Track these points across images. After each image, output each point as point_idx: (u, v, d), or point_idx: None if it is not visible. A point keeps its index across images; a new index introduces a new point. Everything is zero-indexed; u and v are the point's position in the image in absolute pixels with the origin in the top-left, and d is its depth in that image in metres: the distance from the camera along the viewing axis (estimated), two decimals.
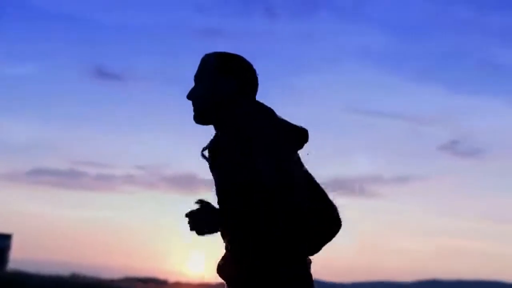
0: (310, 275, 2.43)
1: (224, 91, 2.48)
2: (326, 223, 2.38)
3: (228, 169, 2.38)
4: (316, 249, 2.41)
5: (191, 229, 2.38)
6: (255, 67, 2.55)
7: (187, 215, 2.38)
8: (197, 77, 2.54)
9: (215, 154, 2.48)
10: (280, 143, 2.34)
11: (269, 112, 2.45)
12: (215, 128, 2.53)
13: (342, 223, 2.40)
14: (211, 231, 2.39)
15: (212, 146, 2.51)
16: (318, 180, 2.44)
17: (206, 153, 2.52)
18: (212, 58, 2.53)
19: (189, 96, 2.53)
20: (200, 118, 2.52)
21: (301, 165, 2.41)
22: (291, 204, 2.28)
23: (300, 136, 2.42)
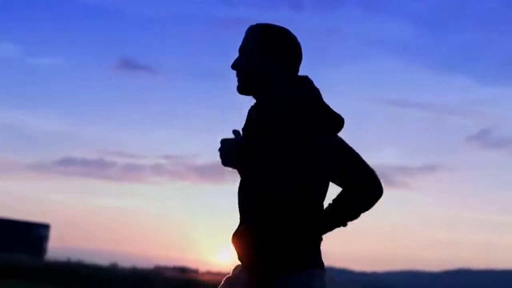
0: (319, 253, 2.40)
1: (270, 65, 2.44)
2: (365, 190, 2.36)
3: (269, 141, 2.33)
4: (356, 215, 2.40)
5: (220, 156, 2.40)
6: None
7: (221, 141, 2.41)
8: (242, 49, 2.50)
9: (256, 123, 2.44)
10: (325, 124, 2.34)
11: (317, 92, 2.43)
12: (256, 99, 2.50)
13: (383, 191, 2.39)
14: (230, 162, 2.40)
15: (254, 114, 2.48)
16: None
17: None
18: (258, 31, 2.48)
19: (233, 66, 2.50)
20: (244, 89, 2.48)
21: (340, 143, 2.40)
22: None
23: (338, 123, 2.39)
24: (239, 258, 2.44)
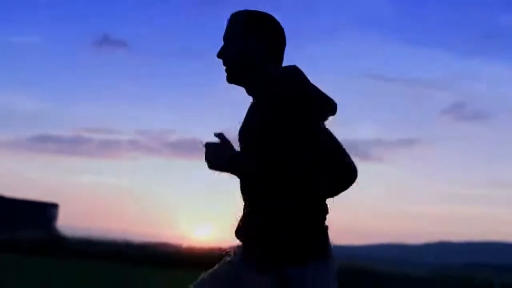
0: (327, 233, 2.43)
1: (255, 51, 2.46)
2: (341, 175, 2.32)
3: (262, 124, 2.38)
4: (330, 195, 2.39)
5: (205, 159, 2.41)
6: None
7: (205, 145, 2.41)
8: (226, 37, 2.52)
9: (251, 113, 2.50)
10: (314, 108, 2.35)
11: (304, 76, 2.42)
12: (247, 91, 2.52)
13: (356, 176, 2.35)
14: (221, 167, 2.40)
15: (252, 111, 2.52)
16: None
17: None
18: (241, 17, 2.50)
19: (219, 55, 2.52)
20: (233, 78, 2.50)
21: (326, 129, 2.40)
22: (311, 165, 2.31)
23: (331, 107, 2.42)
24: (245, 246, 2.46)
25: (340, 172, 2.31)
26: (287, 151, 2.33)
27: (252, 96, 2.51)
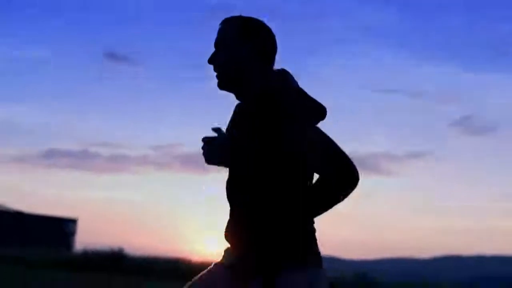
0: (314, 235, 2.41)
1: (245, 57, 2.45)
2: (342, 181, 2.30)
3: (254, 133, 2.37)
4: (328, 206, 2.35)
5: (204, 154, 2.41)
6: None
7: (203, 140, 2.41)
8: (218, 43, 2.51)
9: (241, 119, 2.50)
10: (305, 113, 2.35)
11: (295, 83, 2.45)
12: (236, 96, 2.52)
13: (358, 181, 2.32)
14: (220, 162, 2.41)
15: (238, 112, 2.54)
16: None
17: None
18: (232, 23, 2.49)
19: (210, 61, 2.50)
20: (224, 84, 2.49)
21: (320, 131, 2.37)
22: (310, 168, 2.35)
23: (320, 112, 2.39)
24: (235, 253, 2.42)
25: (348, 170, 2.29)
26: (287, 153, 2.31)
27: (241, 101, 2.53)
